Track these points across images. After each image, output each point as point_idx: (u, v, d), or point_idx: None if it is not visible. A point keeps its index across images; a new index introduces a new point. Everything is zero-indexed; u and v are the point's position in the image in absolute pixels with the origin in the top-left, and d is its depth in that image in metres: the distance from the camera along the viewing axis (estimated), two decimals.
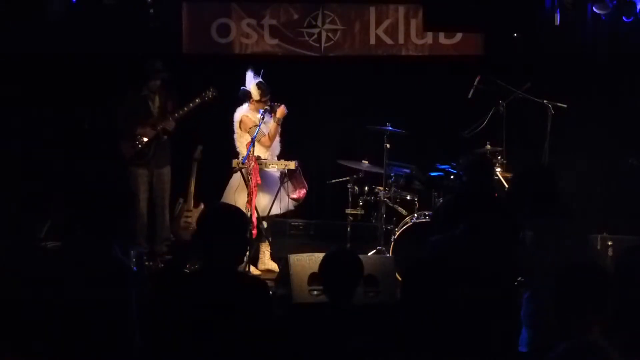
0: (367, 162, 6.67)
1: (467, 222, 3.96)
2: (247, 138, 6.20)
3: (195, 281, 3.06)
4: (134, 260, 5.41)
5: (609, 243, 6.11)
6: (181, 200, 6.96)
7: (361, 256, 4.52)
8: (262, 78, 6.33)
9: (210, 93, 6.38)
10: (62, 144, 7.22)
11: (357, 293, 3.19)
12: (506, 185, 6.08)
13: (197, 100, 6.40)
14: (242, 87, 6.36)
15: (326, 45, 7.87)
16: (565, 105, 7.34)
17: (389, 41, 7.84)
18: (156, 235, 6.69)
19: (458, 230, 3.97)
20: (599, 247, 5.95)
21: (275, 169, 6.19)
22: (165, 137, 6.49)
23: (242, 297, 2.98)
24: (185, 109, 6.41)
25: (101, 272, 3.11)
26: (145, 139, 6.42)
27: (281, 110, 6.27)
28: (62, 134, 7.28)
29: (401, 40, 7.82)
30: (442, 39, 7.79)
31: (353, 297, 3.12)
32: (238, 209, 3.25)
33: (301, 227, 8.06)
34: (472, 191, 4.29)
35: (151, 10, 7.37)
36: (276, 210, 6.30)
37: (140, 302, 3.24)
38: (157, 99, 6.50)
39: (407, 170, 6.67)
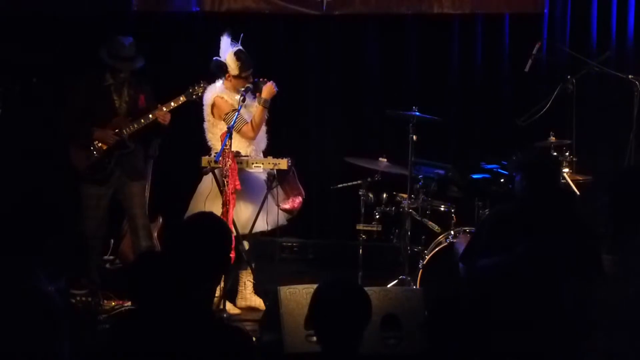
0: (385, 160, 6.68)
1: (528, 243, 3.95)
2: (223, 127, 6.20)
3: (156, 328, 3.03)
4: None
5: None
6: None
7: (377, 288, 4.51)
8: (242, 45, 6.33)
9: (201, 89, 6.26)
10: None
11: (370, 340, 3.15)
12: (577, 192, 6.07)
13: (181, 99, 6.25)
14: (214, 58, 6.36)
15: (330, 0, 7.88)
16: None
17: None
18: None
19: (514, 254, 3.97)
20: None
21: (260, 169, 6.19)
22: (133, 145, 6.32)
23: (217, 352, 2.97)
24: (165, 108, 6.25)
25: (19, 310, 3.09)
26: (104, 147, 6.29)
27: (268, 89, 6.27)
28: None
29: None
30: None
31: (359, 347, 3.05)
32: (220, 220, 3.26)
33: (296, 248, 8.08)
34: (531, 200, 4.29)
35: None
36: (262, 226, 6.31)
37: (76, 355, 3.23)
38: (125, 91, 6.37)
39: (441, 172, 6.68)
